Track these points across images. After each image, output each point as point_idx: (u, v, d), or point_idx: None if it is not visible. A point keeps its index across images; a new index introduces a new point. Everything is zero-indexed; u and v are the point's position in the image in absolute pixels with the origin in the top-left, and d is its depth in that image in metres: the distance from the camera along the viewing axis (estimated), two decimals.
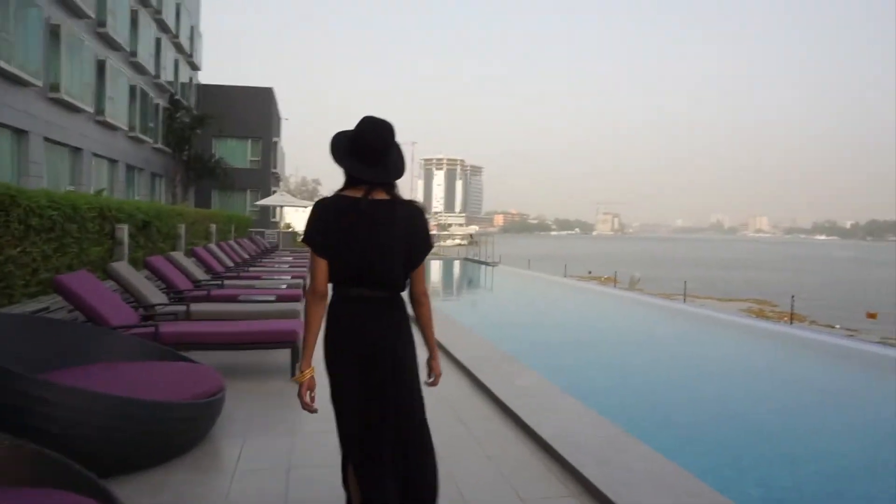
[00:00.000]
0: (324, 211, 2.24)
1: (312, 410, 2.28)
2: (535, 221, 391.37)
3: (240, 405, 4.46)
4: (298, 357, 5.30)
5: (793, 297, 13.10)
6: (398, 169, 2.29)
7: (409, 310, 2.42)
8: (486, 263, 23.59)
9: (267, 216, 34.59)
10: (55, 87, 15.89)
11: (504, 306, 13.16)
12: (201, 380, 3.84)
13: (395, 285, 2.29)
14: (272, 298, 7.07)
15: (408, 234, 2.28)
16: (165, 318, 5.64)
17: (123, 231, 7.80)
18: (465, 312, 10.77)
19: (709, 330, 9.97)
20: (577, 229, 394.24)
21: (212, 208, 28.21)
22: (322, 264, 2.23)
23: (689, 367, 7.71)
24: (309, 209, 2.36)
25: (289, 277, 10.01)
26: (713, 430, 5.28)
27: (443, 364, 5.87)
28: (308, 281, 2.37)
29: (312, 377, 2.29)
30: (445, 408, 4.58)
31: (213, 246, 11.28)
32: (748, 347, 8.96)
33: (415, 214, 2.31)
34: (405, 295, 2.38)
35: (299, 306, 6.48)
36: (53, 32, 15.86)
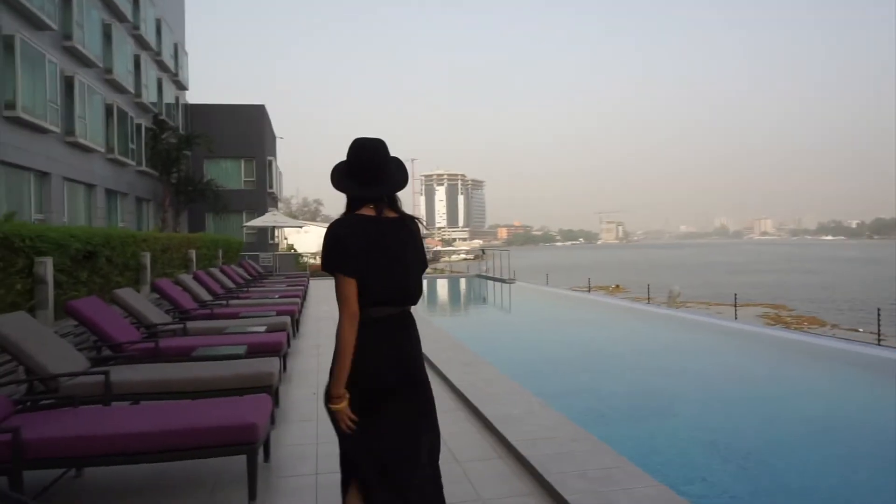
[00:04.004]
0: (341, 231, 2.18)
1: (353, 425, 2.17)
2: (539, 233, 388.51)
3: None
4: (259, 460, 3.36)
5: (879, 310, 11.07)
6: (398, 182, 2.27)
7: None
8: (502, 280, 21.58)
9: (265, 239, 32.72)
10: (10, 105, 14.09)
11: (534, 339, 10.88)
12: None
13: (417, 299, 2.30)
14: (241, 352, 5.10)
15: (418, 249, 2.29)
16: (74, 392, 3.69)
17: (45, 266, 5.88)
18: (491, 350, 8.48)
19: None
20: (581, 239, 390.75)
21: (206, 232, 26.40)
22: (352, 285, 2.12)
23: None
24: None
25: (273, 313, 8.04)
26: None
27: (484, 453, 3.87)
28: (339, 305, 2.16)
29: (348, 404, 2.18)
30: None
31: (184, 277, 9.35)
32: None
33: (419, 230, 2.32)
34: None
35: (274, 366, 4.51)
36: (7, 44, 14.11)
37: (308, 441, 4.16)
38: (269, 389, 4.30)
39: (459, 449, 3.99)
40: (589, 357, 8.89)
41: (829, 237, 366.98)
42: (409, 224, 2.28)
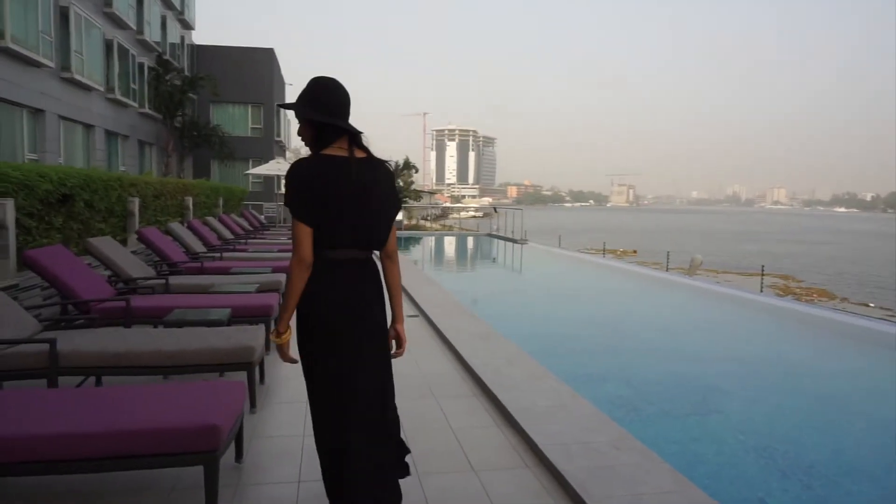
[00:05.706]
0: (306, 173, 2.09)
1: (295, 360, 2.24)
2: (548, 193, 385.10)
3: None
4: (221, 455, 2.67)
5: None
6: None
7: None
8: (514, 241, 20.79)
9: (272, 188, 31.90)
10: None
11: (549, 309, 9.98)
12: None
13: (383, 244, 2.25)
14: (223, 317, 4.38)
15: (387, 192, 2.21)
16: (10, 364, 3.00)
17: (4, 209, 5.14)
18: (504, 319, 7.72)
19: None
20: (591, 201, 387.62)
21: (211, 180, 25.59)
22: (307, 230, 2.09)
23: None
24: None
25: (269, 270, 7.33)
26: None
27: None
28: (292, 246, 2.15)
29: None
30: None
31: (174, 225, 8.61)
32: None
33: (390, 172, 2.26)
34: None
35: (258, 339, 3.78)
36: None
37: (294, 431, 3.47)
38: (250, 367, 3.60)
39: (476, 450, 3.28)
40: (611, 333, 8.08)
41: (843, 209, 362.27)
42: (377, 165, 2.20)
